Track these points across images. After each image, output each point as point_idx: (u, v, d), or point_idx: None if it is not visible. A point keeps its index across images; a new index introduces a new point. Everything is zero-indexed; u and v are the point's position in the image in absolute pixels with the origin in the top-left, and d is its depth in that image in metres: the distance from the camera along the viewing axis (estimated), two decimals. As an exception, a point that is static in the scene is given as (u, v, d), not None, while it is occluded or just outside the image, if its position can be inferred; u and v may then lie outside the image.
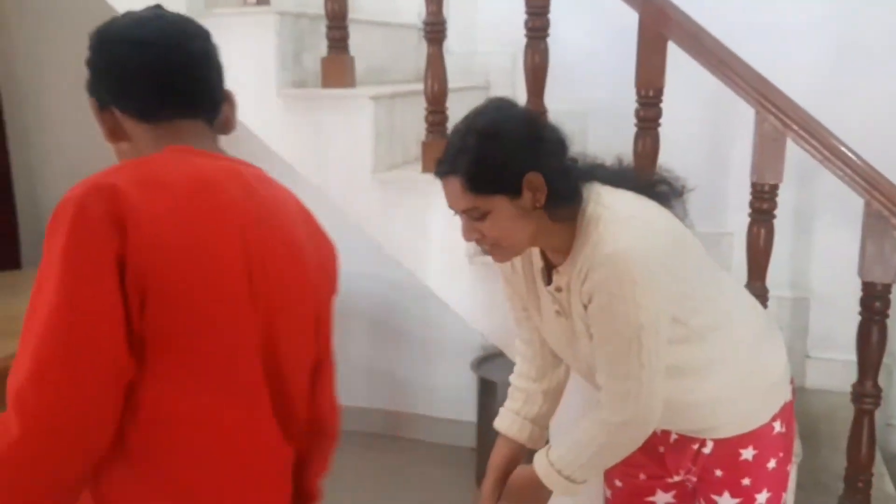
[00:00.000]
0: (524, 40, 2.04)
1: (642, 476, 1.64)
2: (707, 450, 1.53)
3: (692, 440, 1.54)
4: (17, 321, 0.98)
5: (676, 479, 1.60)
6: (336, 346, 1.32)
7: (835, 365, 2.70)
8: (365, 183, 2.13)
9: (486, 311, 2.12)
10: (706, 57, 1.86)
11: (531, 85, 2.04)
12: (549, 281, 1.47)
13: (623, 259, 1.31)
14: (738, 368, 1.49)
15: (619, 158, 1.52)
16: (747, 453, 1.51)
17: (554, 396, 1.67)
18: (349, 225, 2.26)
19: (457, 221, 1.42)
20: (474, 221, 1.38)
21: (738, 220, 2.12)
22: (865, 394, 1.87)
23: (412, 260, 2.17)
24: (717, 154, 2.70)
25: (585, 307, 1.39)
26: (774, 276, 2.10)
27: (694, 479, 1.58)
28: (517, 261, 1.53)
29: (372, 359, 3.43)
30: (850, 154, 1.78)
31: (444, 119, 2.10)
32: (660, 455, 1.59)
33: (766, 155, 1.82)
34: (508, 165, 1.34)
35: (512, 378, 1.70)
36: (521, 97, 2.23)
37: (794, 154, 1.89)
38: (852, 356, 1.92)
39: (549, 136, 1.39)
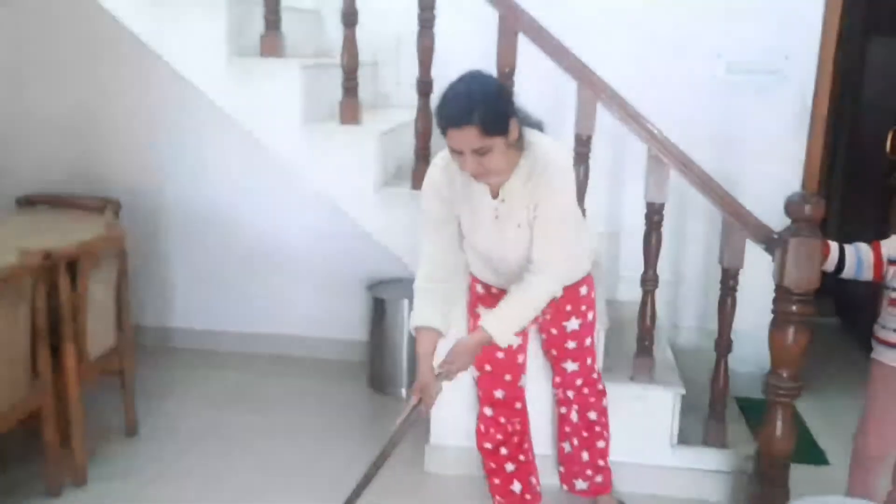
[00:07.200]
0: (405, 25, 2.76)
1: None
2: (559, 294, 2.25)
3: None
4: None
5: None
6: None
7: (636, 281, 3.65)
8: (295, 133, 2.79)
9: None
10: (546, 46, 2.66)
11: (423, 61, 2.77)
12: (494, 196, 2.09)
13: (561, 166, 2.05)
14: (584, 247, 2.32)
15: None
16: (583, 290, 2.35)
17: (456, 295, 2.27)
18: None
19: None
20: (479, 157, 1.91)
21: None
22: (648, 279, 2.80)
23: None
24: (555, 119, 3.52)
25: (528, 206, 2.02)
26: (596, 215, 2.94)
27: (548, 316, 2.33)
28: (458, 181, 2.08)
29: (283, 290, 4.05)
30: (635, 111, 2.62)
31: (356, 85, 2.79)
32: None
33: (583, 113, 2.65)
34: (505, 113, 1.95)
35: (420, 283, 2.16)
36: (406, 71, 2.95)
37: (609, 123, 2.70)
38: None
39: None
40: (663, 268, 3.59)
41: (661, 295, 3.59)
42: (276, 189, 3.85)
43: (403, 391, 3.61)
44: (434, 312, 2.14)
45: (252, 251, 4.00)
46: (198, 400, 3.56)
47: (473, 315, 2.39)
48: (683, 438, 2.85)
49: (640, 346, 2.82)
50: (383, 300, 3.59)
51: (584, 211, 2.76)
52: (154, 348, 4.05)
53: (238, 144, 3.71)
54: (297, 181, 2.99)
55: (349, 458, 3.08)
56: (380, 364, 3.67)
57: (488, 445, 2.49)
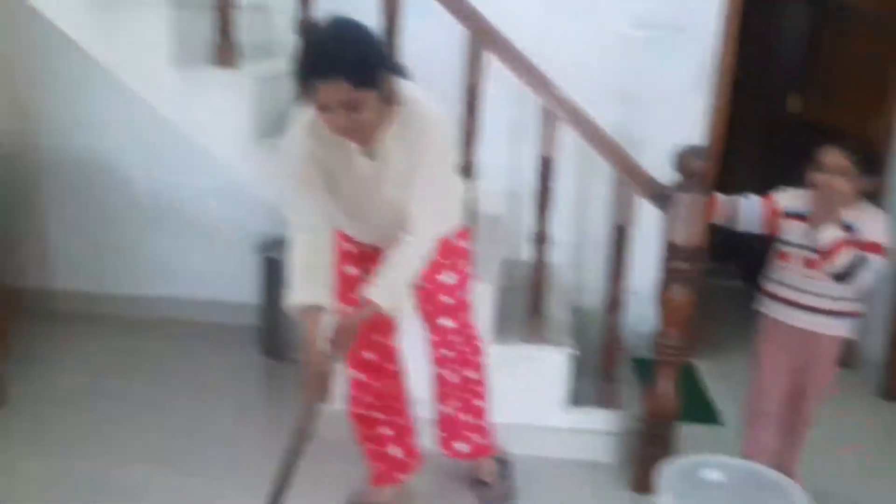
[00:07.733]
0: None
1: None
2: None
3: None
4: None
5: None
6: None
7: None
8: (164, 75, 2.57)
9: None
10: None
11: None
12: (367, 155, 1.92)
13: (438, 123, 1.90)
14: (458, 198, 2.18)
15: None
16: (459, 242, 2.22)
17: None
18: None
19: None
20: (349, 112, 1.73)
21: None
22: (539, 236, 2.68)
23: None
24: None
25: (405, 165, 1.88)
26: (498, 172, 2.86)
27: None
28: (326, 140, 1.88)
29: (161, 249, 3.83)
30: (526, 59, 2.49)
31: (230, 25, 2.60)
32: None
33: (472, 60, 2.51)
34: (378, 63, 1.78)
35: (297, 256, 1.95)
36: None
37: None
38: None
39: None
40: (569, 229, 3.55)
41: (566, 256, 3.54)
42: (161, 142, 3.59)
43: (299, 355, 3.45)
44: (321, 288, 1.95)
45: (137, 208, 3.76)
46: (76, 367, 3.34)
47: (341, 274, 2.22)
48: (580, 400, 2.78)
49: (533, 305, 2.73)
50: (276, 261, 3.40)
51: (472, 164, 2.64)
52: (35, 312, 3.79)
53: (118, 95, 3.43)
54: (183, 134, 2.76)
55: (237, 429, 2.93)
56: (273, 329, 3.50)
57: (362, 412, 2.35)
